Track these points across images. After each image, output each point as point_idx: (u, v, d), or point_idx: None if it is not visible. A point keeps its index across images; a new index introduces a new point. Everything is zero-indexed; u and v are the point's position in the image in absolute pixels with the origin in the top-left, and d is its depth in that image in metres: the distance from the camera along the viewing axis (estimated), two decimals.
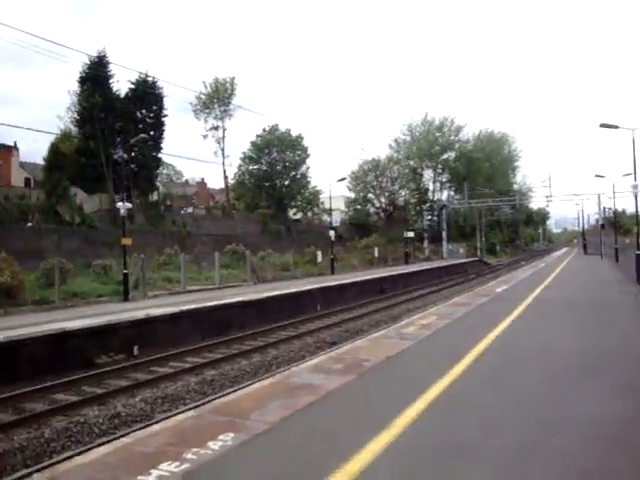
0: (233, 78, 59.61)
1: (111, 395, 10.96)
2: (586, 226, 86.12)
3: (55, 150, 41.96)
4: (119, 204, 24.44)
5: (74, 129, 44.36)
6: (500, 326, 12.08)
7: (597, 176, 45.03)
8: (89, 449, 5.64)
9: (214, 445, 5.22)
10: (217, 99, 58.48)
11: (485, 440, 5.28)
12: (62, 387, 11.52)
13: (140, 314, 16.08)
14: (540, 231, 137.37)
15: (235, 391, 8.02)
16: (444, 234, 68.04)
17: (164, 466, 4.72)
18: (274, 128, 62.92)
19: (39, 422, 9.40)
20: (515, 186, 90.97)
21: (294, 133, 63.35)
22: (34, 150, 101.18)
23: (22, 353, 12.39)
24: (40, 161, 46.70)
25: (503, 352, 9.48)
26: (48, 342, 12.99)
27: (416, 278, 37.56)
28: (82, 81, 42.47)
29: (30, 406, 10.44)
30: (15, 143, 53.68)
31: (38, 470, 4.98)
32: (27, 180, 51.94)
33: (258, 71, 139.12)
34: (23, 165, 54.15)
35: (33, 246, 27.99)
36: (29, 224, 32.71)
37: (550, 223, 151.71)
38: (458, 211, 76.90)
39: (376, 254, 48.97)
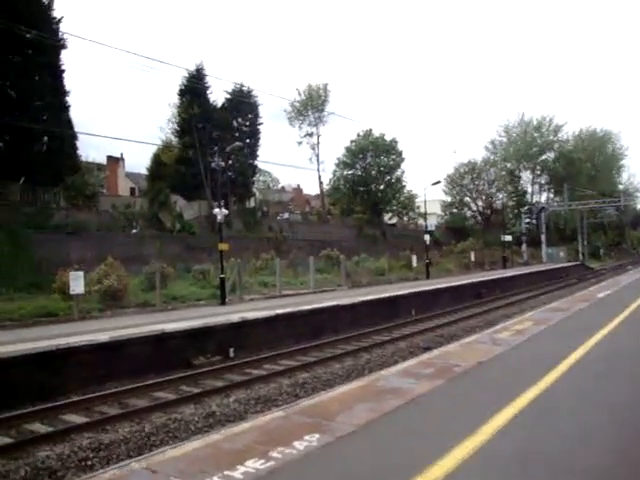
0: (326, 84, 60.29)
1: (207, 395, 11.36)
2: None
3: (157, 160, 44.01)
4: (216, 210, 25.26)
5: (174, 139, 46.27)
6: (599, 333, 11.57)
7: None
8: (182, 443, 5.90)
9: (299, 445, 5.33)
10: (311, 106, 59.28)
11: (575, 451, 5.11)
12: (162, 386, 12.06)
13: (236, 317, 16.55)
14: None
15: (323, 394, 8.11)
16: (543, 237, 65.78)
17: (250, 463, 4.87)
18: (368, 133, 62.97)
19: (140, 417, 9.92)
20: (620, 186, 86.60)
21: (388, 137, 63.18)
22: (138, 161, 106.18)
23: (126, 352, 13.07)
24: (144, 171, 49.08)
25: (600, 361, 9.06)
26: (150, 342, 13.64)
27: (513, 283, 36.54)
28: (181, 93, 44.24)
29: (133, 402, 11.02)
30: (121, 155, 56.63)
31: (136, 460, 5.27)
32: (132, 189, 54.69)
33: (351, 77, 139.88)
34: (128, 175, 57.01)
35: (137, 252, 29.40)
36: (134, 231, 34.37)
37: None
38: (558, 214, 74.14)
39: (472, 258, 48.01)
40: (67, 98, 33.23)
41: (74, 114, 34.27)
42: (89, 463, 7.89)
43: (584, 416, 6.17)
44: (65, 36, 31.98)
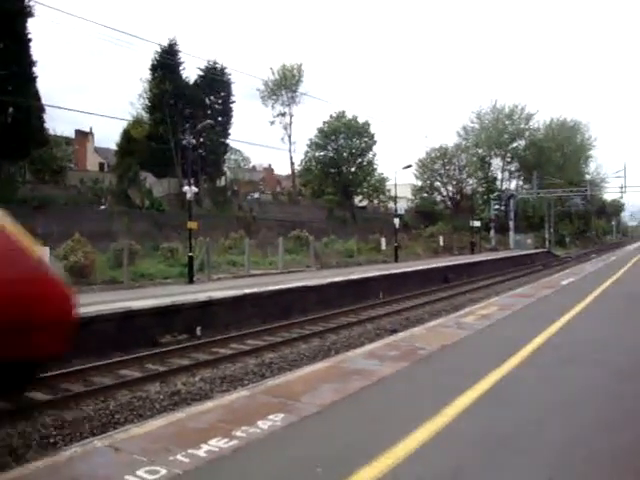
0: (300, 65, 59.95)
1: (173, 373, 11.34)
2: None
3: (127, 136, 43.31)
4: (186, 188, 25.05)
5: (145, 115, 45.59)
6: (562, 319, 11.80)
7: None
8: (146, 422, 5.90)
9: (263, 424, 5.36)
10: (284, 86, 58.91)
11: (534, 433, 5.23)
12: (127, 364, 11.99)
13: (203, 296, 16.51)
14: (613, 223, 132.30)
15: (289, 374, 8.16)
16: (511, 224, 66.54)
17: (214, 442, 4.89)
18: (341, 115, 62.76)
19: (105, 395, 9.87)
20: (588, 176, 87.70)
21: (361, 120, 63.14)
22: (108, 136, 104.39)
23: (92, 330, 12.93)
24: (113, 146, 48.33)
25: (562, 346, 9.24)
26: (116, 320, 13.53)
27: (481, 268, 36.98)
28: (153, 69, 43.57)
29: (98, 379, 10.94)
30: (90, 129, 55.67)
31: (99, 438, 5.25)
32: (101, 165, 53.90)
33: (325, 58, 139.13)
34: (98, 150, 56.14)
35: (105, 228, 29.05)
36: (102, 207, 33.93)
37: (625, 215, 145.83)
38: (527, 201, 75.04)
39: (441, 243, 48.46)
40: (34, 69, 32.37)
41: (42, 85, 33.47)
42: (52, 441, 7.83)
43: (544, 400, 6.30)
44: (31, 3, 31.00)
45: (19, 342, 5.40)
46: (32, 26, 32.11)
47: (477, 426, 5.40)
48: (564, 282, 21.29)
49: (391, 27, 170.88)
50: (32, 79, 32.19)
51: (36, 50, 29.98)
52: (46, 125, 34.39)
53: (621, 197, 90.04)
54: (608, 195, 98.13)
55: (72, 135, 50.58)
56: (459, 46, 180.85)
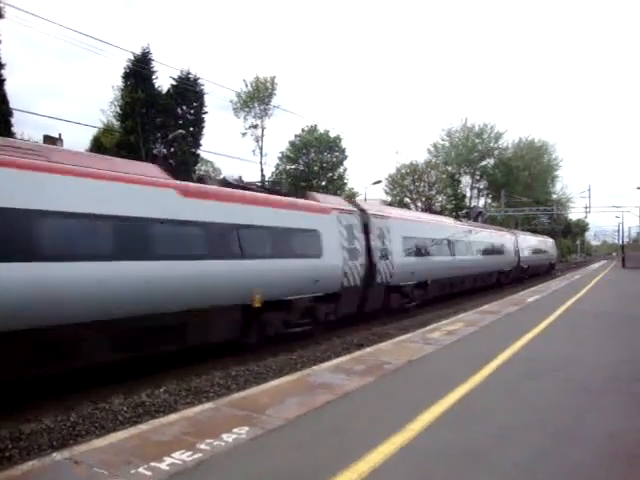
0: (274, 77, 59.94)
1: (136, 384, 11.15)
2: (626, 239, 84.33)
3: (97, 143, 42.82)
4: None
5: (116, 123, 45.16)
6: (527, 336, 11.96)
7: (639, 188, 44.06)
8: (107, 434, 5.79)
9: (228, 437, 5.32)
10: (257, 98, 58.91)
11: (498, 449, 5.27)
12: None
13: None
14: (578, 243, 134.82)
15: (255, 387, 8.10)
16: None
17: (177, 454, 4.84)
18: (312, 129, 63.02)
19: (66, 405, 9.66)
20: (554, 196, 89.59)
21: (332, 134, 63.42)
22: (78, 142, 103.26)
23: None
24: None
25: (526, 362, 9.37)
26: None
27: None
28: (126, 76, 43.20)
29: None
30: (59, 135, 54.77)
31: (59, 451, 5.14)
32: None
33: (298, 73, 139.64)
34: None
35: None
36: None
37: (589, 235, 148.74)
38: (494, 219, 76.02)
39: None
40: (2, 71, 31.87)
41: (11, 89, 32.93)
42: (7, 454, 7.61)
43: (509, 415, 6.37)
44: (1, 4, 30.51)
45: None
46: (1, 28, 31.63)
47: (441, 441, 5.43)
48: (530, 299, 21.59)
49: (364, 43, 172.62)
50: (0, 82, 31.67)
51: (5, 52, 29.40)
52: (14, 129, 33.85)
53: (585, 217, 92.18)
54: (573, 215, 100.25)
55: (40, 140, 49.82)
56: (431, 64, 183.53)
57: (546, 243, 57.32)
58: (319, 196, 18.00)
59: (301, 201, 16.43)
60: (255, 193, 14.78)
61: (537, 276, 48.33)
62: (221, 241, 12.54)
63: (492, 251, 34.99)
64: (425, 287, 23.07)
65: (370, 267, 18.49)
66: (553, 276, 51.18)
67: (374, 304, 19.18)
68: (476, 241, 31.86)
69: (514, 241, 41.03)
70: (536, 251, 48.96)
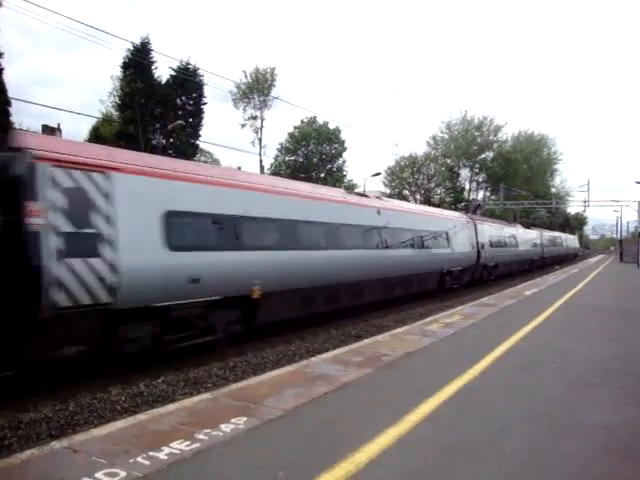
0: (273, 69, 59.85)
1: (135, 374, 11.18)
2: (624, 234, 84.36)
3: (96, 133, 42.71)
4: None
5: (115, 113, 45.04)
6: (524, 329, 12.01)
7: (638, 182, 44.12)
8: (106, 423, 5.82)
9: (226, 428, 5.35)
10: (257, 89, 58.77)
11: (494, 440, 5.30)
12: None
13: None
14: (576, 236, 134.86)
15: (253, 378, 8.13)
16: None
17: (175, 444, 4.86)
18: (312, 120, 62.97)
19: (65, 395, 9.69)
20: (553, 189, 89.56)
21: (332, 126, 63.34)
22: (76, 132, 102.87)
23: None
24: None
25: (523, 355, 9.42)
26: None
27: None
28: (125, 67, 43.04)
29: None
30: (58, 125, 54.50)
31: (58, 440, 5.16)
32: None
33: (298, 64, 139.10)
34: None
35: None
36: None
37: (587, 229, 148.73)
38: (493, 212, 75.98)
39: None
40: (1, 60, 31.68)
41: (10, 78, 32.77)
42: (6, 443, 7.64)
43: (505, 407, 6.41)
44: None
45: None
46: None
47: (438, 432, 5.46)
48: (527, 293, 21.63)
49: (365, 35, 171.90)
50: None
51: (4, 41, 29.21)
52: (12, 119, 33.68)
53: (584, 211, 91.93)
54: (572, 209, 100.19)
55: (39, 130, 49.68)
56: (431, 56, 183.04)
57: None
58: (455, 213, 33.17)
59: (454, 213, 32.83)
60: (434, 210, 30.64)
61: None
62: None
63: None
64: (496, 267, 34.37)
65: (477, 254, 30.14)
66: (551, 270, 51.27)
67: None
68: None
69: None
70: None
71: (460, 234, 28.09)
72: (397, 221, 20.89)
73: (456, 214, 32.63)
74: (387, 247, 19.61)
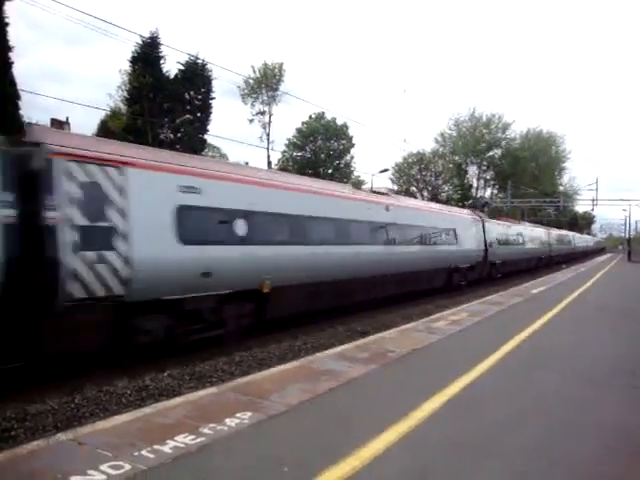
0: (282, 64, 59.71)
1: (140, 368, 11.20)
2: (633, 233, 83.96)
3: (104, 127, 42.70)
4: None
5: (123, 107, 45.05)
6: (531, 327, 11.96)
7: None
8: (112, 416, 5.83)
9: (231, 422, 5.34)
10: (265, 84, 58.71)
11: (501, 437, 5.28)
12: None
13: None
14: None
15: (258, 373, 8.12)
16: None
17: (180, 438, 4.86)
18: (320, 116, 62.80)
19: (71, 388, 9.71)
20: (561, 188, 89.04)
21: (339, 122, 63.18)
22: (85, 126, 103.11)
23: None
24: None
25: (530, 353, 9.40)
26: None
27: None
28: (133, 61, 43.02)
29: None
30: (67, 118, 54.70)
31: (63, 432, 5.17)
32: None
33: (306, 60, 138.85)
34: None
35: None
36: None
37: (595, 227, 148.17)
38: (500, 209, 75.73)
39: None
40: (10, 54, 31.69)
41: (19, 72, 32.76)
42: (13, 434, 7.66)
43: (512, 404, 6.38)
44: None
45: None
46: (9, 10, 31.43)
47: (444, 429, 5.44)
48: (534, 291, 21.55)
49: (373, 31, 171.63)
50: (8, 65, 31.54)
51: (12, 35, 29.14)
52: (21, 112, 33.74)
53: (592, 210, 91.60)
54: (580, 207, 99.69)
55: (48, 124, 49.79)
56: (440, 53, 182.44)
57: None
58: (464, 211, 32.88)
59: (462, 211, 32.52)
60: (442, 207, 30.20)
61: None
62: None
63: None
64: (503, 265, 34.38)
65: (485, 251, 30.03)
66: (558, 268, 51.09)
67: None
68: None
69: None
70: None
71: (468, 231, 28.01)
72: (405, 218, 20.88)
73: (464, 211, 32.41)
74: (395, 243, 19.49)
